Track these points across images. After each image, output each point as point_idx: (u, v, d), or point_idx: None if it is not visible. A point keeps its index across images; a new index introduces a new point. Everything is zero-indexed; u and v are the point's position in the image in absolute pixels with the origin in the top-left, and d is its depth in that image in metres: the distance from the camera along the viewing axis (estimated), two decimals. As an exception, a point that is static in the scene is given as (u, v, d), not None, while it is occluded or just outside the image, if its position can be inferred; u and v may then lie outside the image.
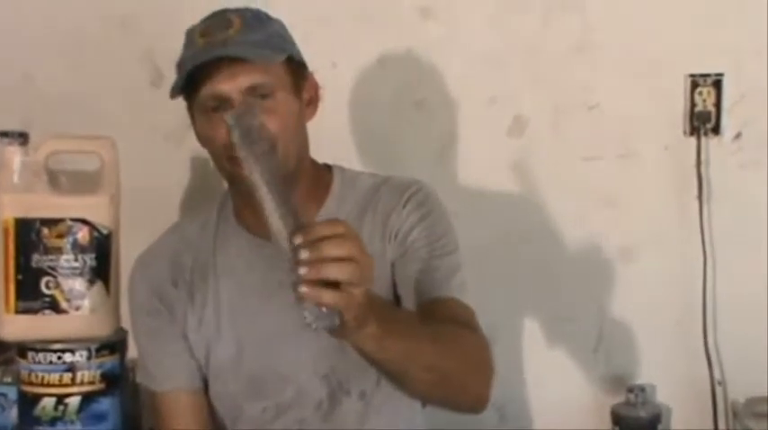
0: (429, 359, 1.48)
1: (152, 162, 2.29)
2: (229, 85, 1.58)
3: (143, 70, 2.36)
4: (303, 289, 1.25)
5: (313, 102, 1.72)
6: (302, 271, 1.25)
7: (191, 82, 1.60)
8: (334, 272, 1.25)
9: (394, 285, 1.70)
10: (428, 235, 1.70)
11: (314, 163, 1.76)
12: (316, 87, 1.73)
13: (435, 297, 1.65)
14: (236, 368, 1.73)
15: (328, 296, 1.26)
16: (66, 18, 2.41)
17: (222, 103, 1.59)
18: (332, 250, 1.25)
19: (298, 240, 1.25)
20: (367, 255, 1.29)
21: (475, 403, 1.63)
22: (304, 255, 1.25)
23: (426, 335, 1.49)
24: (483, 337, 1.62)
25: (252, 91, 1.59)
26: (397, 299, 1.69)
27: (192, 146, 2.13)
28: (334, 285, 1.26)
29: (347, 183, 1.76)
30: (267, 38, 1.62)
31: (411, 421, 1.77)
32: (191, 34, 1.64)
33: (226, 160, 1.62)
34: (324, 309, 1.27)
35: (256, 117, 1.38)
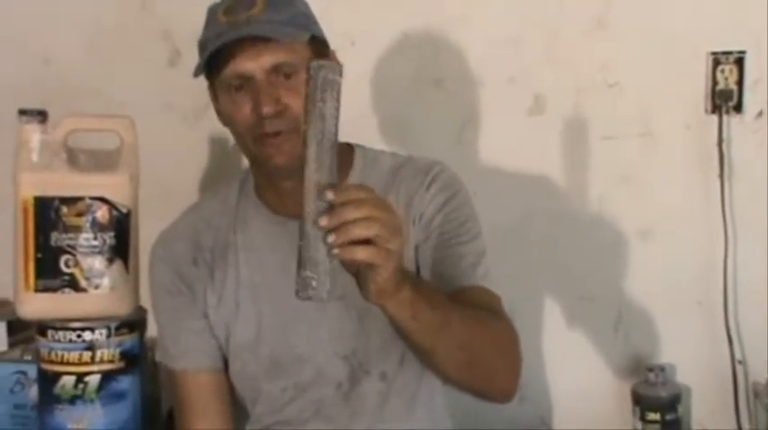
0: (460, 336, 1.49)
1: (170, 141, 2.30)
2: (253, 63, 1.58)
3: (161, 50, 2.36)
4: (335, 251, 1.29)
5: None
6: (330, 238, 1.29)
7: (214, 60, 1.59)
8: (358, 231, 1.28)
9: (417, 268, 1.69)
10: (453, 219, 1.70)
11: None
12: None
13: (462, 286, 1.65)
14: (255, 347, 1.73)
15: (363, 252, 1.29)
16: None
17: (246, 82, 1.59)
18: (350, 214, 1.29)
19: (329, 196, 1.29)
20: (391, 214, 1.32)
21: (501, 393, 1.64)
22: (323, 221, 1.29)
23: (458, 314, 1.50)
24: (512, 327, 1.62)
25: (276, 70, 1.58)
26: (420, 282, 1.68)
27: (210, 125, 2.13)
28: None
29: (369, 163, 1.76)
30: (291, 17, 1.61)
31: (431, 402, 1.77)
32: (213, 12, 1.63)
33: (250, 140, 1.62)
34: (313, 282, 1.30)
35: (339, 75, 1.35)
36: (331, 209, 1.30)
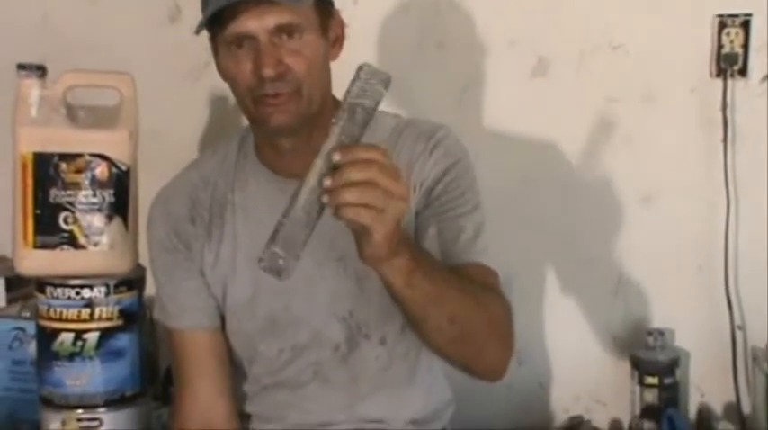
0: (454, 310, 1.49)
1: (170, 98, 2.29)
2: (256, 23, 1.55)
3: (161, 6, 2.34)
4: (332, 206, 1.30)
5: (339, 41, 1.69)
6: (324, 199, 1.30)
7: (216, 17, 1.57)
8: (350, 196, 1.29)
9: (416, 235, 1.68)
10: (454, 188, 1.68)
11: (336, 102, 1.73)
12: (342, 26, 1.69)
13: (460, 262, 1.63)
14: (251, 307, 1.73)
15: (352, 212, 1.30)
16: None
17: (248, 41, 1.57)
18: (353, 175, 1.29)
19: (336, 157, 1.30)
20: (396, 180, 1.31)
21: (490, 371, 1.63)
22: (327, 182, 1.29)
23: (454, 286, 1.50)
24: (508, 305, 1.62)
25: (279, 30, 1.56)
26: (417, 249, 1.67)
27: (210, 82, 2.12)
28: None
29: (370, 123, 1.74)
30: None
31: (431, 369, 1.78)
32: None
33: (249, 100, 1.60)
34: (280, 261, 1.32)
35: (383, 88, 1.35)
36: (335, 170, 1.30)
